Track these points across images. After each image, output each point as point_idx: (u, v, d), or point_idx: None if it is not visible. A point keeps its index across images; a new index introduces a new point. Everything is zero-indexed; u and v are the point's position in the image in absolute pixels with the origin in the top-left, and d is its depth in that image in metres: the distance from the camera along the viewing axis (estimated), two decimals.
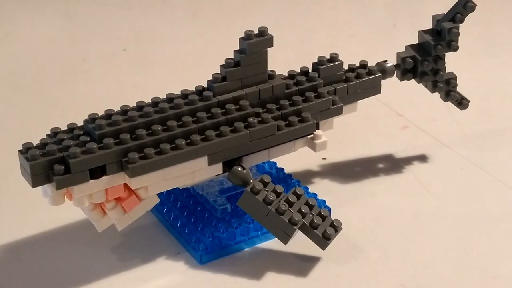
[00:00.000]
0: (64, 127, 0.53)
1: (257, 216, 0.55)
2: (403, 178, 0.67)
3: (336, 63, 0.61)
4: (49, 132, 0.53)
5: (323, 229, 0.55)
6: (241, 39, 0.56)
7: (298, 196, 0.56)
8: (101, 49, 0.90)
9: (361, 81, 0.62)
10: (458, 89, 0.68)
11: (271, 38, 0.56)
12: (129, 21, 0.97)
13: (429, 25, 0.66)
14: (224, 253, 0.58)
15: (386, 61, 0.65)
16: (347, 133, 0.73)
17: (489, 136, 0.73)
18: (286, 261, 0.57)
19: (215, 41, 0.91)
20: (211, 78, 0.56)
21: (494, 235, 0.60)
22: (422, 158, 0.69)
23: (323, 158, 0.69)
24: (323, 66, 0.60)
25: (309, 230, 0.55)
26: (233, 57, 0.56)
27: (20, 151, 0.51)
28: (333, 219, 0.56)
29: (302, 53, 0.88)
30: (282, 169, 0.64)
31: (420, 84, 0.67)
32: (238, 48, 0.56)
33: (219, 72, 0.56)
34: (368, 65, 0.63)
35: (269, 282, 0.55)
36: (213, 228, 0.58)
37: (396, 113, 0.77)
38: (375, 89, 0.63)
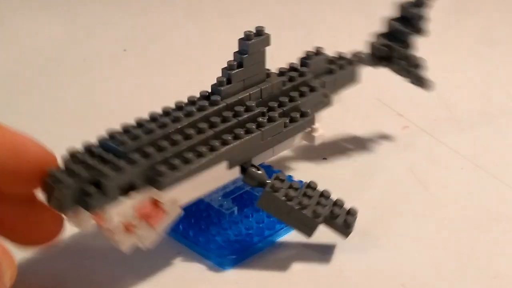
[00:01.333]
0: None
1: (278, 214, 0.55)
2: (403, 178, 0.67)
3: (322, 56, 0.62)
4: (64, 151, 0.52)
5: (342, 218, 0.56)
6: (241, 40, 0.56)
7: (313, 189, 0.56)
8: (102, 49, 0.90)
9: (345, 71, 0.63)
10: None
11: (269, 36, 0.56)
12: (130, 22, 0.97)
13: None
14: (247, 255, 0.57)
15: (361, 51, 0.67)
16: (347, 133, 0.73)
17: (490, 136, 0.73)
18: (286, 261, 0.57)
19: (216, 41, 0.91)
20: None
21: (494, 235, 0.60)
22: (422, 158, 0.69)
23: (324, 158, 0.69)
24: (312, 60, 0.61)
25: (331, 221, 0.56)
26: (233, 59, 0.56)
27: (46, 177, 0.49)
28: (347, 207, 0.57)
29: (303, 53, 0.88)
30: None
31: None
32: (237, 49, 0.56)
33: (221, 75, 0.56)
34: (346, 56, 0.65)
35: (269, 282, 0.56)
36: (231, 232, 0.58)
37: (396, 113, 0.77)
38: (356, 79, 0.65)
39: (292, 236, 0.59)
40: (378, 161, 0.69)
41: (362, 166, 0.68)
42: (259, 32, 0.56)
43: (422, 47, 0.88)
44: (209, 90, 0.56)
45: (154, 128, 0.52)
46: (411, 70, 0.68)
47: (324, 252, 0.57)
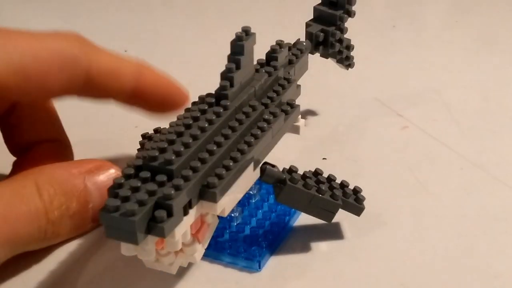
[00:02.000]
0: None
1: (299, 205, 0.56)
2: (403, 178, 0.67)
3: (285, 48, 0.63)
4: None
5: (353, 197, 0.58)
6: (234, 41, 0.55)
7: (321, 175, 0.58)
8: None
9: (301, 60, 0.65)
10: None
11: (255, 34, 0.56)
12: (130, 22, 0.97)
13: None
14: (276, 247, 0.58)
15: (299, 39, 0.69)
16: (347, 133, 0.73)
17: (489, 136, 0.73)
18: (286, 261, 0.57)
19: (216, 42, 0.91)
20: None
21: (494, 235, 0.60)
22: (422, 158, 0.69)
23: (323, 158, 0.69)
24: (279, 54, 0.61)
25: (345, 202, 0.57)
26: (227, 62, 0.56)
27: (103, 209, 0.46)
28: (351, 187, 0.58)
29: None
30: None
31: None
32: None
33: (220, 78, 0.56)
34: (300, 46, 0.66)
35: (269, 282, 0.56)
36: (261, 234, 0.58)
37: (396, 113, 0.77)
38: (306, 66, 0.67)
39: (291, 235, 0.59)
40: (378, 161, 0.69)
41: (362, 166, 0.68)
42: (247, 32, 0.56)
43: (422, 47, 0.88)
44: (206, 93, 0.56)
45: (189, 140, 0.50)
46: (344, 51, 0.72)
47: (324, 252, 0.57)
